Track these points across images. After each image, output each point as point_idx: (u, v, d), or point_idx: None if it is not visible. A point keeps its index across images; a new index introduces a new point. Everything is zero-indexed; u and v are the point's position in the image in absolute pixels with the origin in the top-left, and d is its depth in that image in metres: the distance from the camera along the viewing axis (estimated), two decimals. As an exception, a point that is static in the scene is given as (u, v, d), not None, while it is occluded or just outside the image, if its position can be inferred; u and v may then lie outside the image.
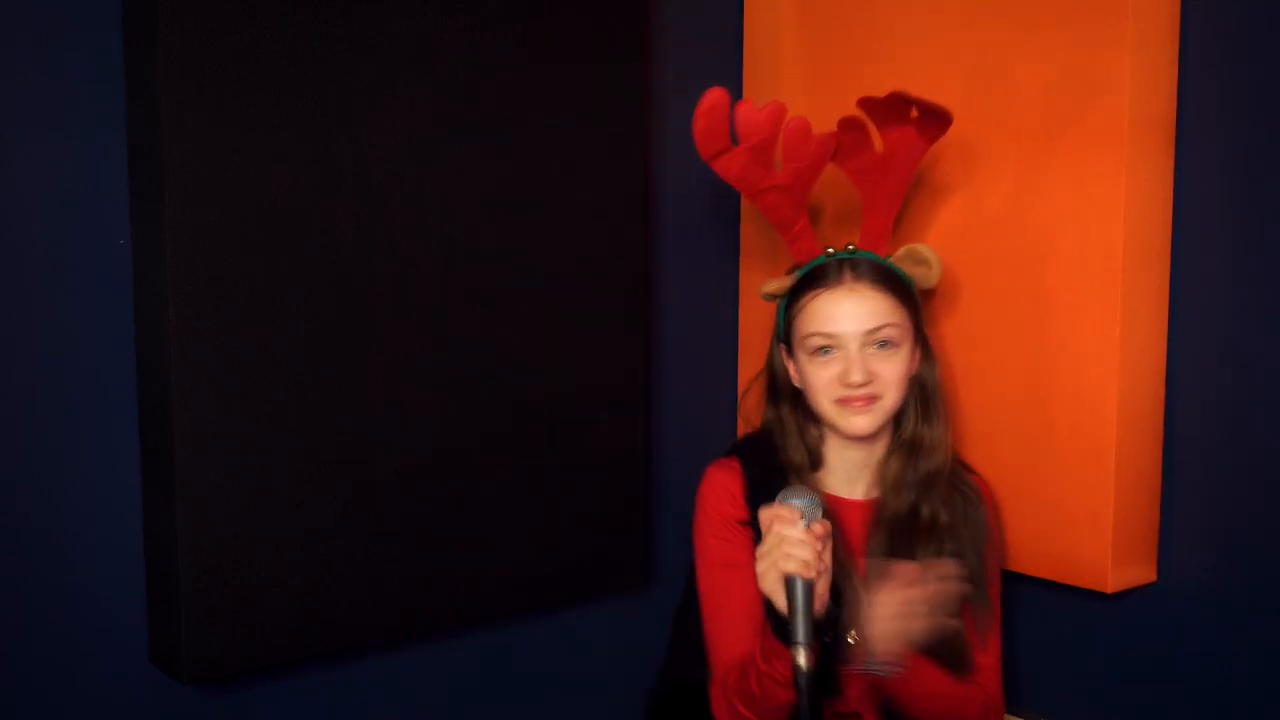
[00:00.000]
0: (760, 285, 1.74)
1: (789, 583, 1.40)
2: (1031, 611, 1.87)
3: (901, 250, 1.70)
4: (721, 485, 1.66)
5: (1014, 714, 1.83)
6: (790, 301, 1.64)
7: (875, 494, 1.68)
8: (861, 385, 1.57)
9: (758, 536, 1.47)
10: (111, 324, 1.60)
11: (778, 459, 1.66)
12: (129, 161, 1.58)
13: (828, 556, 1.43)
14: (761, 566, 1.42)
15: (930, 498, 1.63)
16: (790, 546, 1.40)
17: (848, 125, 1.66)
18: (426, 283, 1.72)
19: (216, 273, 1.56)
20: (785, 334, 1.66)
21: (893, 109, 1.65)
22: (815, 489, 1.56)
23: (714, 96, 1.60)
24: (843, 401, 1.59)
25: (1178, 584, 1.73)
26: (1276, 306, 1.64)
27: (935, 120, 1.65)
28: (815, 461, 1.67)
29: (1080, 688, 1.82)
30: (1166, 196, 1.73)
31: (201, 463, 1.57)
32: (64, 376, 1.57)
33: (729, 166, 1.63)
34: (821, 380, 1.60)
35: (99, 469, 1.60)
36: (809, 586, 1.40)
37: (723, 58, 2.13)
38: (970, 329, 1.83)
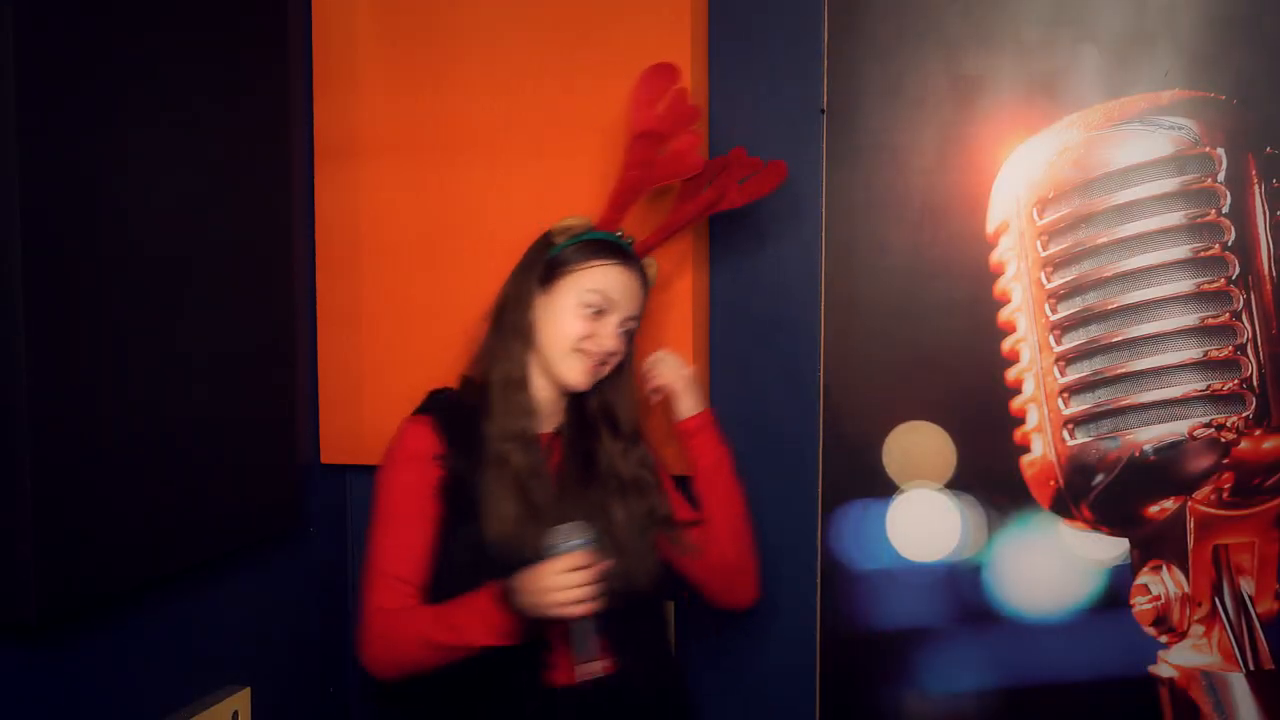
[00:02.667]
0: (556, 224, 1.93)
1: (575, 621, 1.65)
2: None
3: (649, 258, 1.95)
4: (415, 444, 1.82)
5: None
6: (576, 257, 1.82)
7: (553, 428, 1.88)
8: (611, 351, 1.81)
9: (457, 478, 1.77)
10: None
11: (476, 397, 1.84)
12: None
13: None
14: (552, 599, 1.62)
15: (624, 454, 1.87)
16: (573, 591, 1.62)
17: (712, 166, 1.96)
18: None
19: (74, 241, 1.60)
20: (550, 275, 1.83)
21: (733, 165, 1.96)
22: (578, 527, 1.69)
23: (668, 70, 1.92)
24: (582, 352, 1.79)
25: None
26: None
27: (763, 182, 1.97)
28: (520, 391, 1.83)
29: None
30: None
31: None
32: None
33: (644, 131, 1.92)
34: (576, 329, 1.79)
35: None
36: (586, 620, 1.65)
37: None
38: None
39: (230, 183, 1.93)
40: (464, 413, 1.84)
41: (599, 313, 1.80)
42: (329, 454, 2.32)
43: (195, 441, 1.85)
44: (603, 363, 1.82)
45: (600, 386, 1.86)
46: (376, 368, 2.27)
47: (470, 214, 2.21)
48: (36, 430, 1.53)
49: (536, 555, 1.67)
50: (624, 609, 1.74)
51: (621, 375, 1.88)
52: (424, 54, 2.21)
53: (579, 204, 2.15)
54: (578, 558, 1.63)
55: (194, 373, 1.84)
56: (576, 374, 1.81)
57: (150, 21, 1.74)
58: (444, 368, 2.23)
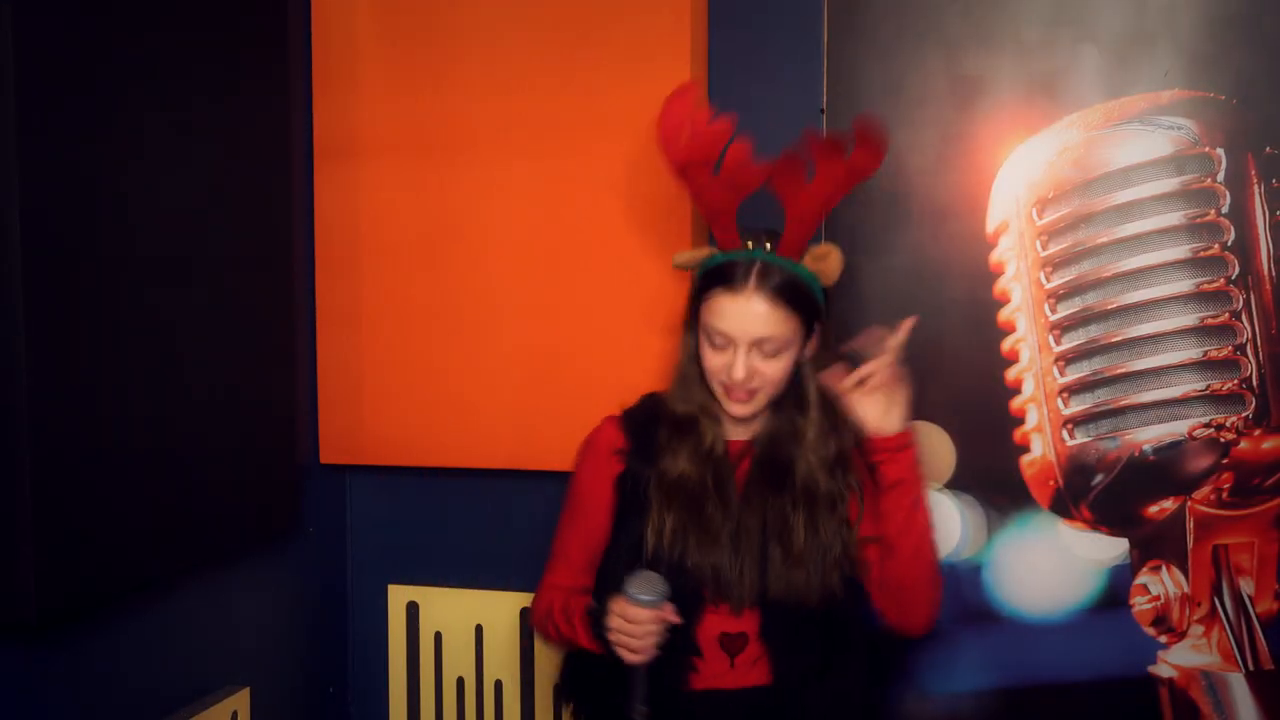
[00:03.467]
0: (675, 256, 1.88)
1: (630, 666, 1.70)
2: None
3: (817, 248, 1.80)
4: (602, 438, 1.87)
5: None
6: (702, 287, 1.79)
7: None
8: (743, 382, 1.74)
9: (634, 474, 1.80)
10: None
11: (666, 409, 1.84)
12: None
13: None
14: (613, 638, 1.69)
15: (815, 468, 1.80)
16: (630, 639, 1.67)
17: (787, 159, 1.77)
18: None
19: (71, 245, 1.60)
20: (692, 312, 1.83)
21: (831, 145, 1.78)
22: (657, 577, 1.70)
23: (684, 95, 1.78)
24: (725, 389, 1.77)
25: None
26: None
27: (868, 155, 1.78)
28: (709, 414, 1.82)
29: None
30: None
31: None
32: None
33: (681, 164, 1.79)
34: (712, 366, 1.78)
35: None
36: (639, 669, 1.69)
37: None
38: (561, 297, 2.19)
39: (230, 183, 1.93)
40: (652, 416, 1.85)
41: (722, 345, 1.76)
42: (328, 454, 2.32)
43: (195, 441, 1.85)
44: (747, 392, 1.76)
45: (793, 401, 1.81)
46: (376, 368, 2.27)
47: (470, 214, 2.21)
48: (36, 430, 1.53)
49: (692, 565, 1.74)
50: (789, 621, 1.75)
51: (808, 396, 1.81)
52: (424, 54, 2.21)
53: (578, 204, 2.15)
54: (645, 613, 1.67)
55: (194, 372, 1.84)
56: (729, 406, 1.78)
57: (150, 21, 1.74)
58: (444, 368, 2.24)
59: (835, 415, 1.81)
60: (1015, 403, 2.09)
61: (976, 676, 2.13)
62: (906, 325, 1.77)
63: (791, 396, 1.81)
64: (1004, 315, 2.08)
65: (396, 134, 2.24)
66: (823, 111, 2.14)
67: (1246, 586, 2.03)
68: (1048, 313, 2.06)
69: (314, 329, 2.30)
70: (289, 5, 2.11)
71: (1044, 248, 2.06)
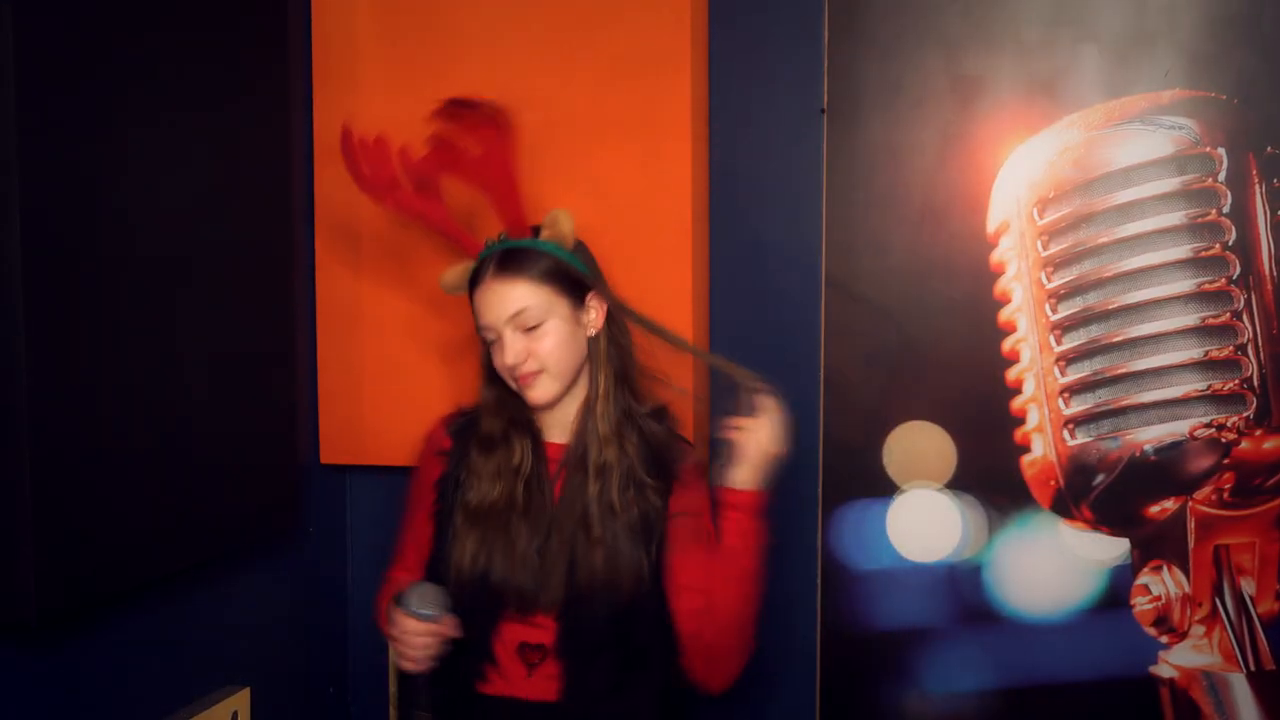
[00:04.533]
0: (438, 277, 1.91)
1: (405, 673, 1.75)
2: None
3: (546, 218, 1.84)
4: (431, 437, 1.92)
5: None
6: (470, 298, 1.82)
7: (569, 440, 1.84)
8: (517, 366, 1.76)
9: (452, 477, 1.84)
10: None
11: (479, 429, 1.86)
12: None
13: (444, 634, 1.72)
14: (393, 646, 1.73)
15: (602, 444, 1.78)
16: (407, 649, 1.71)
17: (437, 142, 1.85)
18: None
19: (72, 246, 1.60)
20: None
21: (466, 113, 1.85)
22: (436, 592, 1.73)
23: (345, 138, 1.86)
24: (515, 380, 1.78)
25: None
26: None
27: (497, 115, 1.84)
28: (520, 426, 1.83)
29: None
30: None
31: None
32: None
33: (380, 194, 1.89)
34: (496, 364, 1.80)
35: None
36: (418, 676, 1.74)
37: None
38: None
39: (230, 183, 1.93)
40: (469, 434, 1.86)
41: (494, 340, 1.79)
42: (328, 454, 2.32)
43: (195, 441, 1.85)
44: (529, 374, 1.77)
45: (593, 389, 1.82)
46: (376, 368, 2.27)
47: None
48: (36, 430, 1.53)
49: (494, 581, 1.76)
50: (586, 636, 1.73)
51: (596, 369, 1.82)
52: (424, 54, 2.21)
53: (578, 204, 2.15)
54: (421, 626, 1.70)
55: (194, 373, 1.84)
56: (526, 395, 1.79)
57: (150, 21, 1.74)
58: (444, 368, 2.24)
59: (629, 380, 1.82)
60: (1016, 403, 2.09)
61: (977, 676, 2.13)
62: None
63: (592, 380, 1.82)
64: (1005, 315, 2.08)
65: (396, 134, 2.23)
66: (823, 111, 2.14)
67: (1248, 587, 2.03)
68: (1048, 313, 2.06)
69: (314, 329, 2.30)
70: (289, 5, 2.11)
71: (1045, 248, 2.06)
